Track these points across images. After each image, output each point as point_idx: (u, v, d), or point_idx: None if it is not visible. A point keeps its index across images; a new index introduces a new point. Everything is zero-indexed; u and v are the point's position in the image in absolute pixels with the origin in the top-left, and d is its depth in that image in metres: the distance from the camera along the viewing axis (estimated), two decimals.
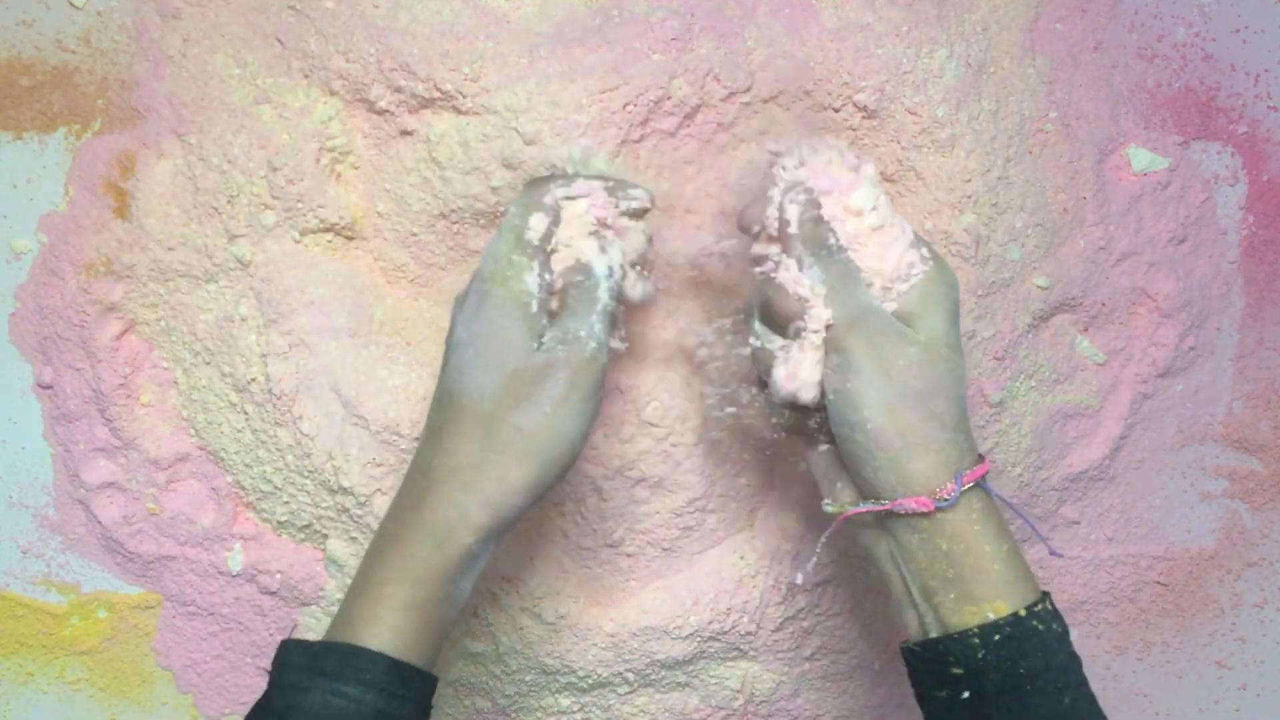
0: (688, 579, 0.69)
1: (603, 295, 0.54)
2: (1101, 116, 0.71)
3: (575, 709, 0.72)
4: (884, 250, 0.54)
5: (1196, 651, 0.80)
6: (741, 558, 0.69)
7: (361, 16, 0.64)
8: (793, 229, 0.54)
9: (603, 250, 0.55)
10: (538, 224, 0.54)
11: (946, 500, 0.51)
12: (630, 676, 0.70)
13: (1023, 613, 0.50)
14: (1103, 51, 0.71)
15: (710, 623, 0.69)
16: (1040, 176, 0.70)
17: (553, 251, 0.54)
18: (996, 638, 0.50)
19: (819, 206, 0.55)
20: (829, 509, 0.55)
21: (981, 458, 0.53)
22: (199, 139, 0.66)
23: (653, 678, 0.70)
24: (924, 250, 0.54)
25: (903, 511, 0.52)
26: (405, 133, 0.65)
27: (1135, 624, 0.79)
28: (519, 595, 0.68)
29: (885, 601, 0.74)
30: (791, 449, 0.66)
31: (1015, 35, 0.69)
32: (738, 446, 0.68)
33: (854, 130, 0.67)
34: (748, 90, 0.64)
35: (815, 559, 0.59)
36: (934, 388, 0.52)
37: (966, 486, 0.51)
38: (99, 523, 0.71)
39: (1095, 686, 0.78)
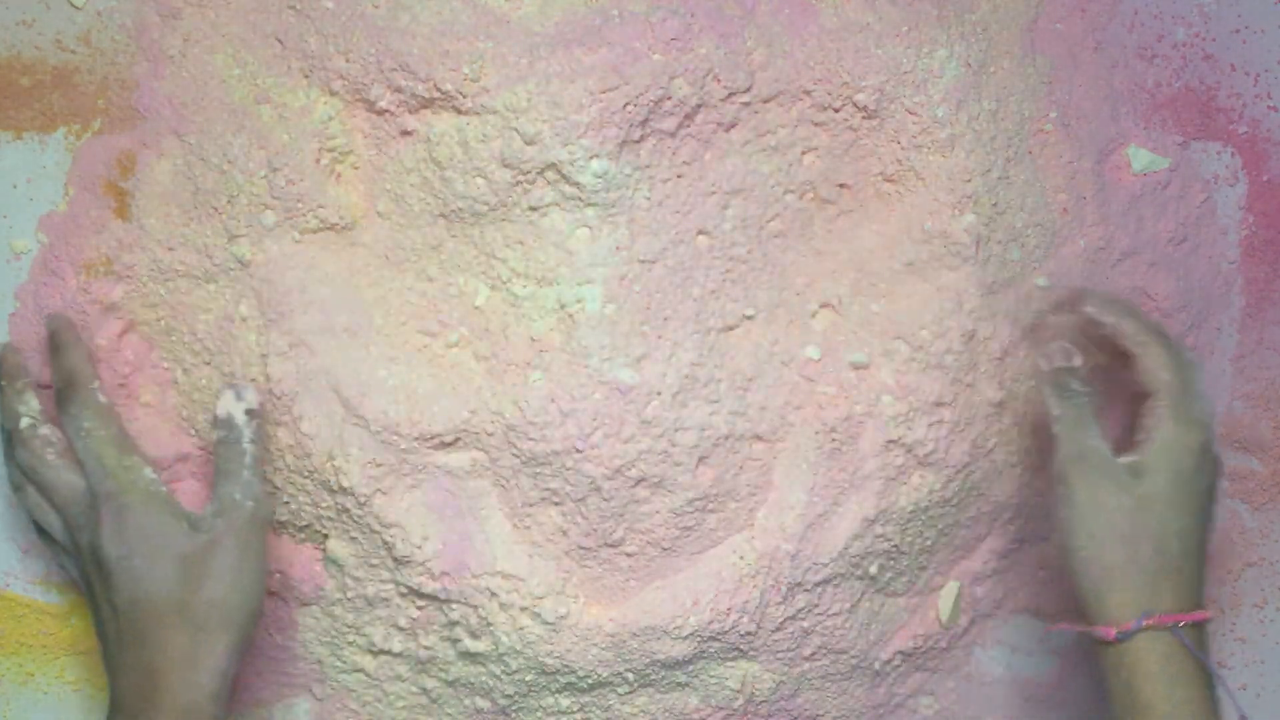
0: (688, 579, 0.69)
1: (248, 446, 0.60)
2: (1101, 116, 0.71)
3: (575, 709, 0.71)
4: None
5: None
6: (741, 558, 0.69)
7: (361, 16, 0.64)
8: (1044, 366, 0.63)
9: (238, 398, 0.60)
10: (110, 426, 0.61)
11: (1125, 633, 0.58)
12: (630, 676, 0.70)
13: None
14: (1103, 51, 0.71)
15: (710, 623, 0.68)
16: (1040, 176, 0.70)
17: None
18: None
19: (1073, 356, 0.63)
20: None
21: (1198, 609, 0.59)
22: (199, 139, 0.66)
23: (653, 678, 0.70)
24: (1172, 408, 0.61)
25: (1094, 636, 0.59)
26: (405, 132, 0.65)
27: None
28: (519, 595, 0.68)
29: (885, 601, 0.74)
30: None
31: (1015, 35, 0.69)
32: (738, 446, 0.68)
33: (854, 130, 0.67)
34: (747, 90, 0.64)
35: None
36: (1140, 534, 0.59)
37: (1146, 625, 0.57)
38: None
39: (1095, 687, 0.78)
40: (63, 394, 0.62)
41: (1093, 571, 0.59)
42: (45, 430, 0.62)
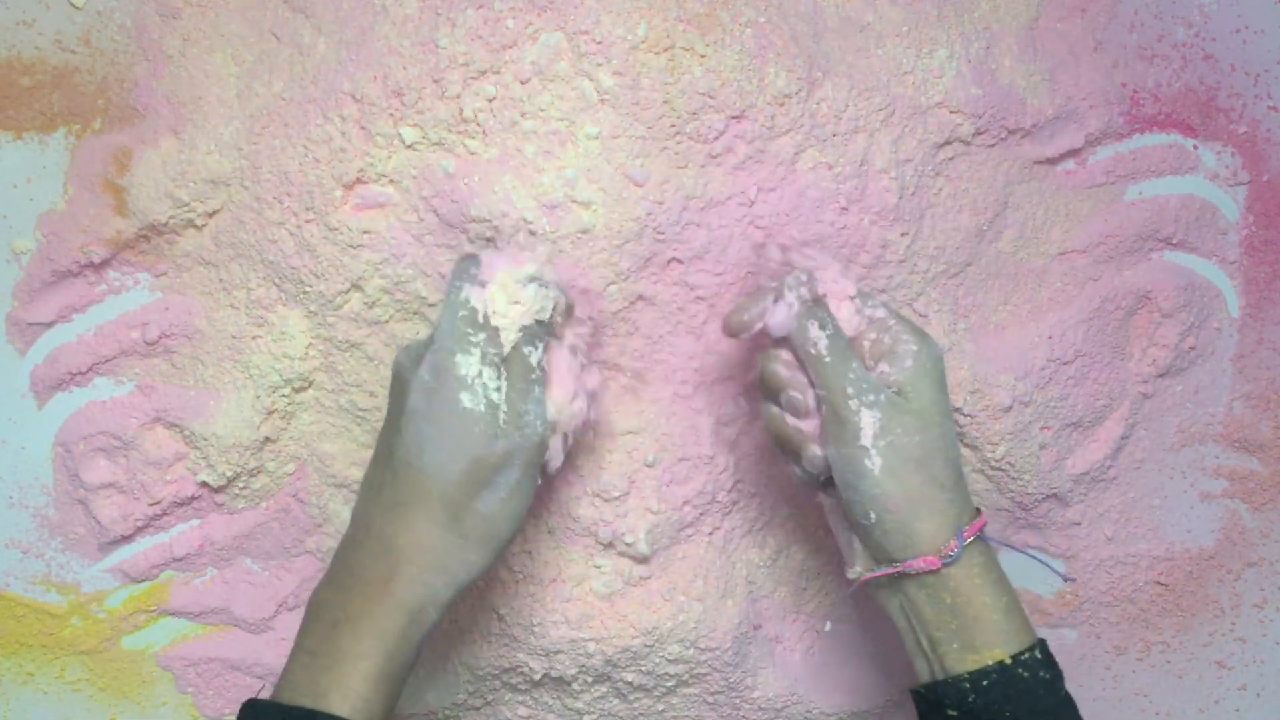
0: (687, 581, 0.69)
1: (538, 369, 0.56)
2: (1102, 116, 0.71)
3: (577, 711, 0.72)
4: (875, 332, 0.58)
5: (1196, 651, 0.80)
6: (736, 564, 0.69)
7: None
8: (796, 308, 0.57)
9: (538, 321, 0.56)
10: (487, 301, 0.55)
11: (950, 556, 0.55)
12: (629, 679, 0.70)
13: (1008, 660, 0.54)
14: (1103, 51, 0.71)
15: (711, 624, 0.69)
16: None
17: (495, 328, 0.55)
18: (985, 683, 0.54)
19: (817, 292, 0.58)
20: (852, 575, 0.59)
21: (979, 511, 0.57)
22: (191, 134, 0.66)
23: (653, 681, 0.70)
24: (909, 329, 0.58)
25: (913, 571, 0.56)
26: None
27: (1135, 624, 0.79)
28: (516, 598, 0.68)
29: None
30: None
31: (1016, 35, 0.69)
32: (729, 454, 0.68)
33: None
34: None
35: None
36: (931, 452, 0.56)
37: (968, 541, 0.55)
38: (99, 523, 0.71)
39: (1095, 686, 0.79)
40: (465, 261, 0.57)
41: (894, 505, 0.55)
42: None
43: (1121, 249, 0.73)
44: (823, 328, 0.57)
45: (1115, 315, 0.73)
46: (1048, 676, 0.55)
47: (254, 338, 0.67)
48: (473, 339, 0.54)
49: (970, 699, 0.54)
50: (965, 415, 0.70)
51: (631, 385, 0.66)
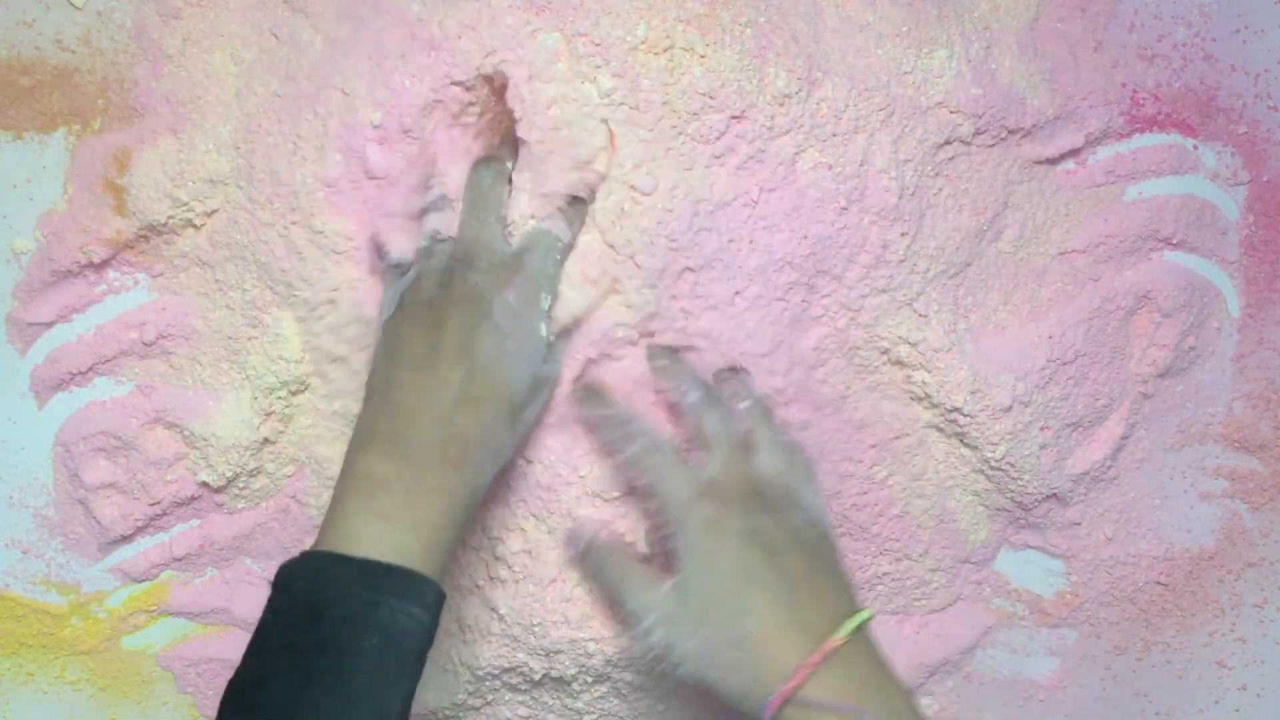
0: None
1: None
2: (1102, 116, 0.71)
3: (577, 711, 0.72)
4: None
5: (1196, 651, 0.80)
6: None
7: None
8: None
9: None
10: (573, 236, 0.62)
11: None
12: (630, 679, 0.70)
13: None
14: (1103, 51, 0.71)
15: None
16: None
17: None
18: None
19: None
20: None
21: (809, 658, 0.55)
22: (190, 134, 0.66)
23: (653, 681, 0.70)
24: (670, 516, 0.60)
25: None
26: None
27: (1135, 624, 0.79)
28: (514, 598, 0.68)
29: (883, 603, 0.74)
30: None
31: (1016, 35, 0.69)
32: None
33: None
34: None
35: None
36: (716, 641, 0.57)
37: (769, 716, 0.55)
38: (99, 523, 0.71)
39: (1095, 686, 0.79)
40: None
41: (722, 695, 0.57)
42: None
43: (1121, 249, 0.73)
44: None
45: (1115, 315, 0.73)
46: None
47: (250, 339, 0.67)
48: (552, 283, 0.62)
49: None
50: (965, 415, 0.70)
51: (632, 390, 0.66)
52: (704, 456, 0.61)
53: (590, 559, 0.64)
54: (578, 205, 0.63)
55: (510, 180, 0.63)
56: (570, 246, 0.63)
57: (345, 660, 0.51)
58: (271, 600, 0.53)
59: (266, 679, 0.51)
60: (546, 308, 0.61)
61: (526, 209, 0.62)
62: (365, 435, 0.57)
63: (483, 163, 0.63)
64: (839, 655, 0.55)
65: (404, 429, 0.57)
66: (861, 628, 0.56)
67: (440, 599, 0.54)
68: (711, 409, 0.62)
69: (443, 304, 0.59)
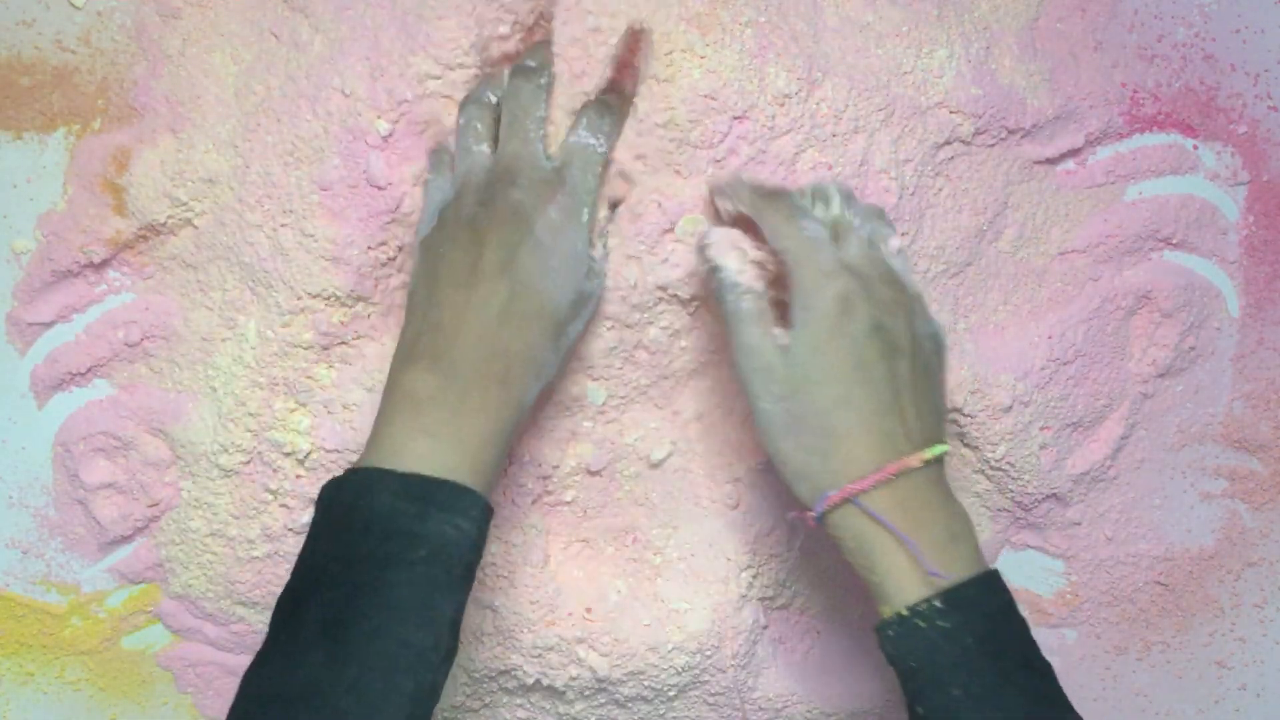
0: (686, 584, 0.69)
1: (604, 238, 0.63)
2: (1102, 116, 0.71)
3: (574, 716, 0.72)
4: None
5: (1196, 651, 0.80)
6: (735, 565, 0.69)
7: None
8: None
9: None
10: (610, 148, 0.62)
11: (819, 517, 0.55)
12: (630, 682, 0.70)
13: (905, 612, 0.53)
14: (1103, 51, 0.71)
15: (711, 625, 0.69)
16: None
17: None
18: (890, 633, 0.54)
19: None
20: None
21: (886, 465, 0.55)
22: (190, 133, 0.66)
23: (653, 692, 0.70)
24: (803, 276, 0.58)
25: (806, 521, 0.56)
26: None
27: (1135, 624, 0.79)
28: (512, 600, 0.68)
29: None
30: None
31: (1016, 35, 0.69)
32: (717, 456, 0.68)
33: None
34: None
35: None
36: (800, 416, 0.56)
37: (826, 508, 0.55)
38: (98, 523, 0.71)
39: (1095, 686, 0.79)
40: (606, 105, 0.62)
41: (781, 466, 0.56)
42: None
43: (1121, 249, 0.73)
44: (731, 291, 0.58)
45: (1115, 315, 0.73)
46: (947, 625, 0.53)
47: (223, 340, 0.67)
48: (593, 197, 0.61)
49: (887, 649, 0.54)
50: (965, 415, 0.70)
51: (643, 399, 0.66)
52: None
53: (719, 280, 0.59)
54: (615, 117, 0.62)
55: (549, 92, 0.62)
56: (609, 160, 0.62)
57: (393, 571, 0.51)
58: (317, 516, 0.54)
59: (315, 590, 0.52)
60: (587, 221, 0.60)
61: (564, 122, 0.62)
62: (408, 353, 0.57)
63: (520, 73, 0.62)
64: (911, 477, 0.55)
65: (447, 347, 0.56)
66: (940, 459, 0.56)
67: (487, 513, 0.54)
68: (846, 201, 0.60)
69: (484, 222, 0.58)
